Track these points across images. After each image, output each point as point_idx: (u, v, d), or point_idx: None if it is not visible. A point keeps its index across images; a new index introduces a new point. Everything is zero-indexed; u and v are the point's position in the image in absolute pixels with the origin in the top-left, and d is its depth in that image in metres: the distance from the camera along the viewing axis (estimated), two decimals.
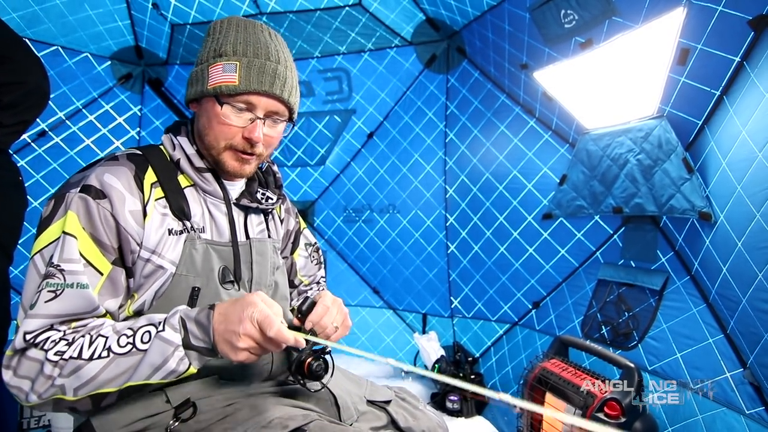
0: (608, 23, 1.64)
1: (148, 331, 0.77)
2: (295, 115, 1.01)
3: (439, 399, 2.42)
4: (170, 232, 0.89)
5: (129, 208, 0.84)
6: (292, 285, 1.27)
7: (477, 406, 2.37)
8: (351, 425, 0.95)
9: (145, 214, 0.86)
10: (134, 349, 0.75)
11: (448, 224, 2.79)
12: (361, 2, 2.43)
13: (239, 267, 0.96)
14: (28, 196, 1.61)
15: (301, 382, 0.90)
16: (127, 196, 0.84)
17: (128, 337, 0.77)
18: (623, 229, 1.95)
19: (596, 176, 1.93)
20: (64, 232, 0.80)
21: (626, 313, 1.87)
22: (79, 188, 0.83)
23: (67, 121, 2.61)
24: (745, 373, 1.36)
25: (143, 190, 0.87)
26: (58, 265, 0.78)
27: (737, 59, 1.29)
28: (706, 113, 1.44)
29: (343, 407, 0.97)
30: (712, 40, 1.35)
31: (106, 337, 0.76)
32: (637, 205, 1.77)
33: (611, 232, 2.01)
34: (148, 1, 2.38)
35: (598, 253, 2.08)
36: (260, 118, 0.92)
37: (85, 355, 0.74)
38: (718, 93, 1.38)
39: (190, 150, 0.96)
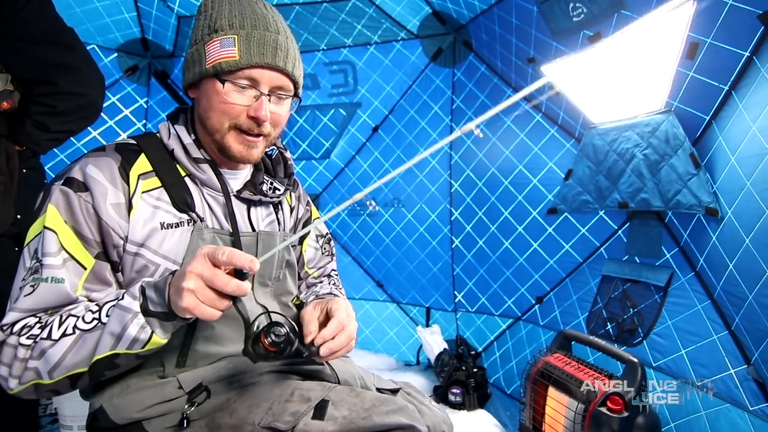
0: (617, 17, 1.63)
1: (113, 304, 0.75)
2: (300, 90, 0.95)
3: (441, 392, 2.43)
4: (163, 225, 0.86)
5: (111, 201, 0.82)
6: (298, 277, 1.21)
7: (479, 399, 2.38)
8: None
9: (130, 207, 0.84)
10: (99, 324, 0.74)
11: (452, 218, 2.79)
12: None
13: None
14: None
15: (263, 355, 0.78)
16: (110, 188, 0.82)
17: (94, 312, 0.76)
18: (628, 224, 1.94)
19: (602, 171, 1.92)
20: (44, 227, 0.79)
21: (631, 310, 1.86)
22: (62, 181, 0.82)
23: None
24: (749, 370, 1.36)
25: (128, 182, 0.85)
26: (40, 259, 0.78)
27: (746, 54, 1.28)
28: (714, 108, 1.43)
29: (352, 383, 0.97)
30: (722, 35, 1.33)
31: (77, 316, 0.76)
32: (643, 200, 1.76)
33: (616, 227, 2.00)
34: None
35: (602, 248, 2.08)
36: (265, 94, 0.87)
37: (55, 335, 0.74)
38: (726, 88, 1.37)
39: (188, 139, 0.92)
